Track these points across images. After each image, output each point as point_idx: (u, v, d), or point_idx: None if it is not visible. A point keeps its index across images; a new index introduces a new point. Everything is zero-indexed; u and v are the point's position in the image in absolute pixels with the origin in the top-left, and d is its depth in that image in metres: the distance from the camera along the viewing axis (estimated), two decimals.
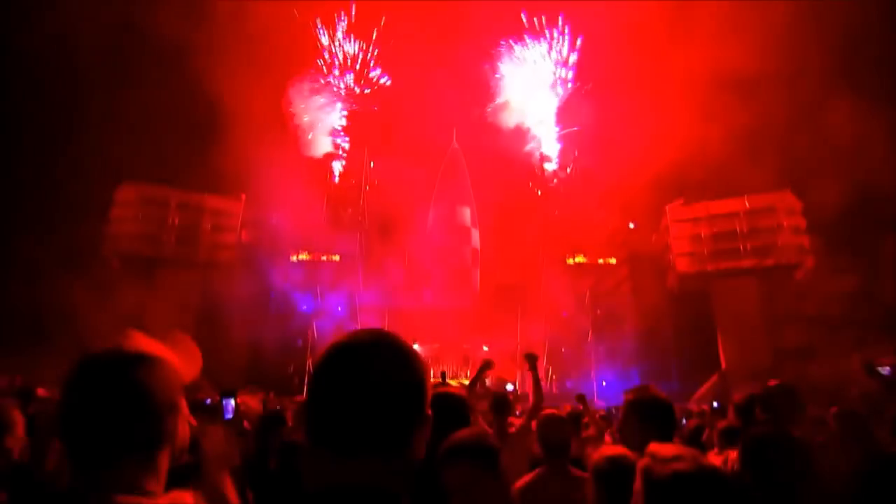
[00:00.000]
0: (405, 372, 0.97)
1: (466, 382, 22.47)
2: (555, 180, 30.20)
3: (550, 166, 30.19)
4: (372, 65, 32.25)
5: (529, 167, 30.71)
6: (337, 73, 32.31)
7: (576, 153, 29.93)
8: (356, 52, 32.45)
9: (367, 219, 29.52)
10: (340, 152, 30.71)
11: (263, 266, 27.03)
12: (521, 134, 30.12)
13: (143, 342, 1.09)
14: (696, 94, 23.20)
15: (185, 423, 1.11)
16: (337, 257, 28.18)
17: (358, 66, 32.35)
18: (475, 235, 29.32)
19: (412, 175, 27.75)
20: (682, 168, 26.02)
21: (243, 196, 27.93)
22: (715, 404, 11.68)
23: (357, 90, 32.05)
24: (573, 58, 30.63)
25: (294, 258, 27.83)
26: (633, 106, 25.28)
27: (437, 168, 30.49)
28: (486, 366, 4.33)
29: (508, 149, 29.69)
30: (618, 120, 25.31)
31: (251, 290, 26.09)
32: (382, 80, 32.29)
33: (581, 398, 5.83)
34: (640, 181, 25.91)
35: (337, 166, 30.25)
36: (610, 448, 2.14)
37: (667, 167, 25.26)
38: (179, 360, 1.14)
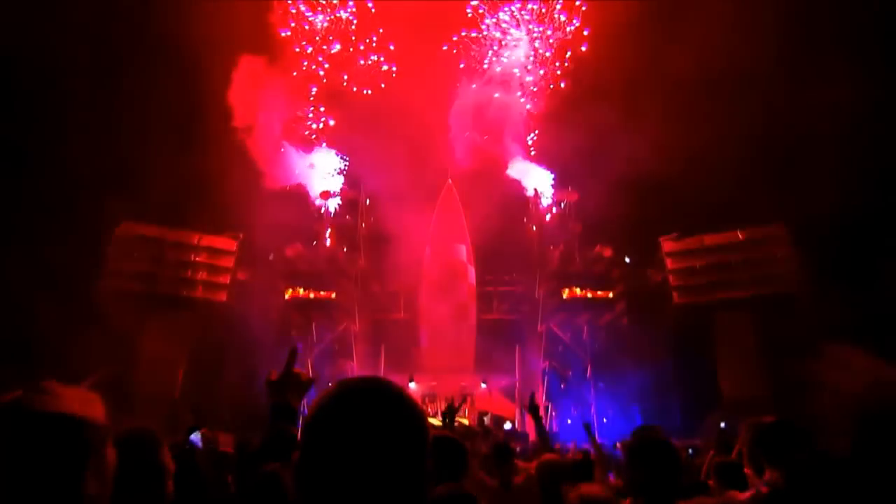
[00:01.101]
0: (405, 430, 0.92)
1: (466, 422, 21.89)
2: (548, 215, 30.41)
3: (546, 200, 30.45)
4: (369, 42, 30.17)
5: (524, 201, 30.96)
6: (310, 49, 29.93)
7: (569, 188, 30.22)
8: (344, 19, 30.13)
9: (363, 255, 29.51)
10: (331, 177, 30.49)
11: (259, 304, 26.87)
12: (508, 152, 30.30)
13: (58, 395, 0.97)
14: (689, 124, 23.51)
15: (101, 478, 0.99)
16: (333, 294, 28.03)
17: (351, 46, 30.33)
18: (471, 272, 29.30)
19: (408, 211, 27.87)
20: (676, 202, 26.34)
21: (241, 235, 28.02)
22: (722, 425, 11.50)
23: (346, 78, 30.46)
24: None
25: (289, 296, 27.66)
26: (625, 132, 25.55)
27: (434, 200, 30.54)
28: (451, 411, 4.16)
29: (503, 179, 29.94)
30: (610, 150, 25.54)
31: (246, 329, 25.87)
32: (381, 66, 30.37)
33: (587, 427, 5.67)
34: (634, 215, 26.15)
35: (332, 203, 30.34)
36: (587, 487, 2.09)
37: (661, 201, 25.54)
38: (104, 403, 1.03)
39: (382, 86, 30.69)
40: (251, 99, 27.55)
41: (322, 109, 30.76)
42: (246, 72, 27.23)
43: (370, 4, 30.35)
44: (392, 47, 30.77)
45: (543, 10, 30.47)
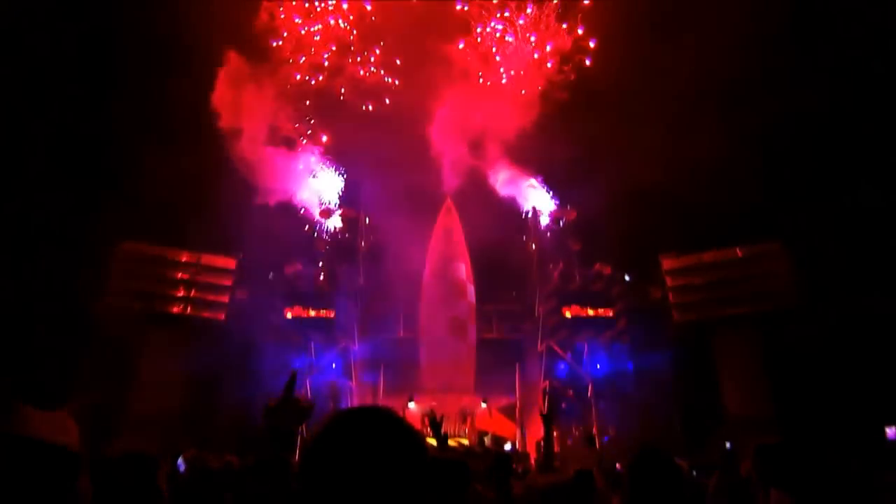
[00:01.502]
0: (404, 459, 0.92)
1: (466, 441, 21.63)
2: (548, 234, 30.41)
3: (544, 219, 30.46)
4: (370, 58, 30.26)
5: (523, 219, 30.98)
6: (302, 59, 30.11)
7: (568, 207, 30.26)
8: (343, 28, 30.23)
9: (363, 274, 29.44)
10: (329, 203, 30.43)
11: (257, 323, 26.74)
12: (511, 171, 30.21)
13: (30, 419, 0.93)
14: (687, 143, 23.63)
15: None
16: (332, 313, 27.93)
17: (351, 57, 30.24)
18: (471, 290, 29.16)
19: (407, 229, 27.84)
20: (675, 219, 26.40)
21: (241, 255, 28.00)
22: (728, 445, 11.42)
23: (343, 91, 30.36)
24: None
25: (288, 315, 27.55)
26: (623, 149, 25.61)
27: (433, 218, 30.45)
28: (435, 423, 4.02)
29: (502, 196, 29.95)
30: (608, 167, 25.62)
31: (245, 348, 25.72)
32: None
33: (591, 440, 5.60)
34: (633, 232, 26.16)
35: (332, 221, 30.34)
36: None
37: (659, 218, 25.58)
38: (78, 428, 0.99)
39: (387, 101, 30.84)
40: (250, 116, 27.77)
41: (311, 121, 30.80)
42: (243, 89, 27.53)
43: (368, 7, 30.66)
44: (398, 62, 30.97)
45: (542, 21, 30.64)
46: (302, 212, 29.82)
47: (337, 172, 30.45)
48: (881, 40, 21.93)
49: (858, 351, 20.77)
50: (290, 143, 29.73)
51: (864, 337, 20.62)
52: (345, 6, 30.84)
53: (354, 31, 30.98)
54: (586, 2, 30.08)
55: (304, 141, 30.22)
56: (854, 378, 20.19)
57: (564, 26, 30.43)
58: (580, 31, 30.34)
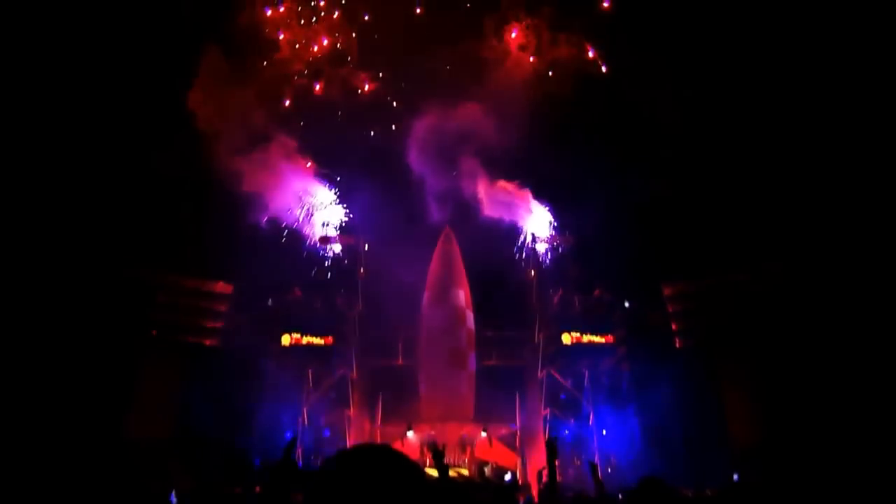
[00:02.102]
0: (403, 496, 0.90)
1: (465, 472, 21.25)
2: (548, 259, 30.35)
3: (542, 245, 30.41)
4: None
5: (522, 244, 30.93)
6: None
7: (567, 232, 30.27)
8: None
9: (362, 301, 29.27)
10: (332, 228, 30.37)
11: (254, 350, 26.52)
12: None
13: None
14: (686, 164, 23.69)
15: None
16: (331, 341, 27.72)
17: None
18: (470, 317, 28.97)
19: (406, 255, 27.80)
20: (676, 244, 26.40)
21: (239, 280, 27.92)
22: (735, 477, 11.23)
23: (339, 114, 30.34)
24: None
25: (286, 341, 27.32)
26: (623, 173, 25.65)
27: (433, 243, 30.33)
28: (437, 454, 4.00)
29: (500, 221, 29.92)
30: (607, 192, 25.66)
31: (241, 376, 25.47)
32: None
33: (593, 468, 5.46)
34: (634, 258, 26.14)
35: (331, 246, 30.26)
36: None
37: (661, 243, 25.57)
38: None
39: (393, 127, 31.02)
40: (246, 135, 27.97)
41: (308, 141, 30.85)
42: (238, 106, 27.83)
43: (366, 15, 31.01)
44: (403, 84, 31.14)
45: (537, 32, 30.79)
46: (300, 237, 29.79)
47: (334, 192, 30.43)
48: (878, 43, 21.99)
49: (867, 371, 20.48)
50: (287, 161, 29.72)
51: (871, 354, 20.37)
52: (335, 14, 31.26)
53: (350, 55, 31.44)
54: (605, 3, 30.07)
55: (305, 164, 30.26)
56: (864, 401, 19.86)
57: (566, 40, 30.63)
58: (591, 55, 30.44)
